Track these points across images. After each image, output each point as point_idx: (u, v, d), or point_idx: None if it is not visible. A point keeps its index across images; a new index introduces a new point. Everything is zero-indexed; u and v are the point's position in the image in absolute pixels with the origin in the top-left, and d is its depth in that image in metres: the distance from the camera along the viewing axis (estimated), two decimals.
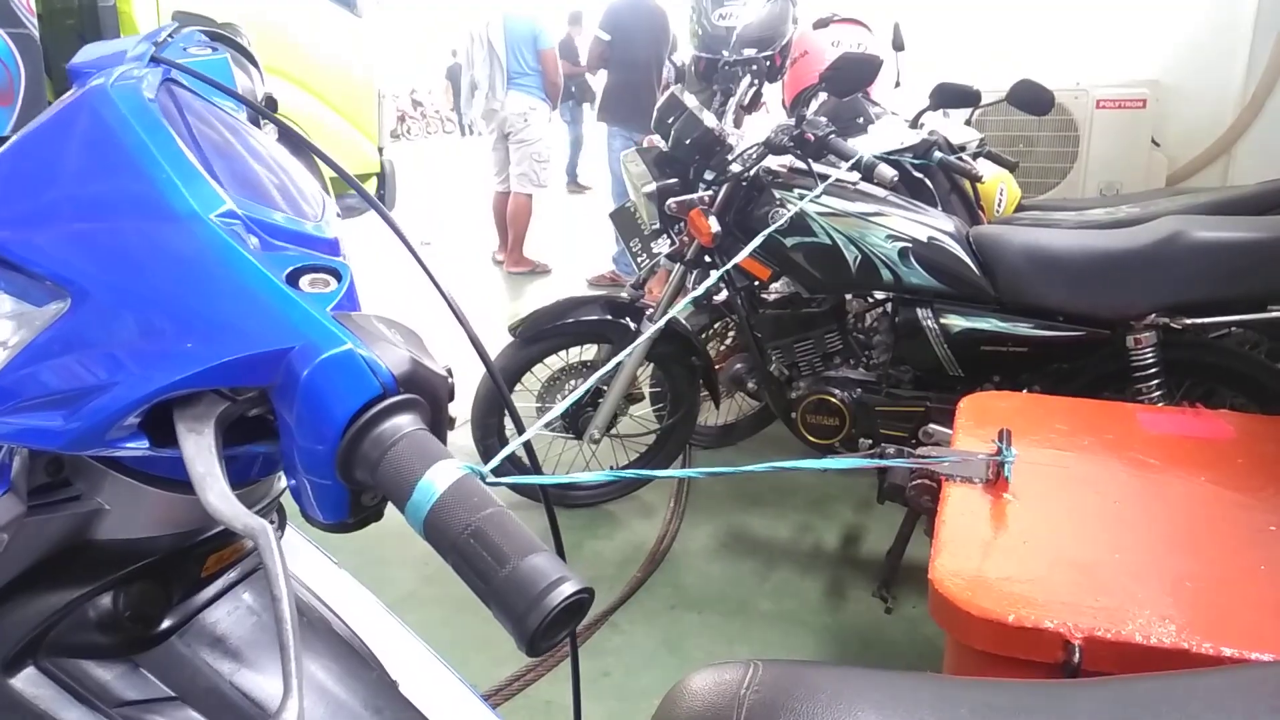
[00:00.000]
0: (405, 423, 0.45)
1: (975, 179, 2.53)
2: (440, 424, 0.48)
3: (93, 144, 0.52)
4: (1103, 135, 4.06)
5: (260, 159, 0.63)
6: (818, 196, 2.11)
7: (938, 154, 2.52)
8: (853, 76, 2.06)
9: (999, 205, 2.94)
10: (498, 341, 2.45)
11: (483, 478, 0.45)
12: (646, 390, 2.74)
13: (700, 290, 1.31)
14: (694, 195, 2.31)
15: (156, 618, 0.62)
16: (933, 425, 1.83)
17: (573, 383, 2.53)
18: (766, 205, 2.21)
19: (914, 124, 2.90)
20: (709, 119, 2.28)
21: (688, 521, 2.57)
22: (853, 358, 2.42)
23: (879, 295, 2.45)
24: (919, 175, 2.55)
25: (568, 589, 0.40)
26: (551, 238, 6.51)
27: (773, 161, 2.27)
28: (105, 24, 2.88)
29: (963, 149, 2.78)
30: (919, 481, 1.41)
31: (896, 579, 2.14)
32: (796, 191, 2.17)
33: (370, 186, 4.49)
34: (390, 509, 0.47)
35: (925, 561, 1.14)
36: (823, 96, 2.76)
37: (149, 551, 0.60)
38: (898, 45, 3.22)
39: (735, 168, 2.29)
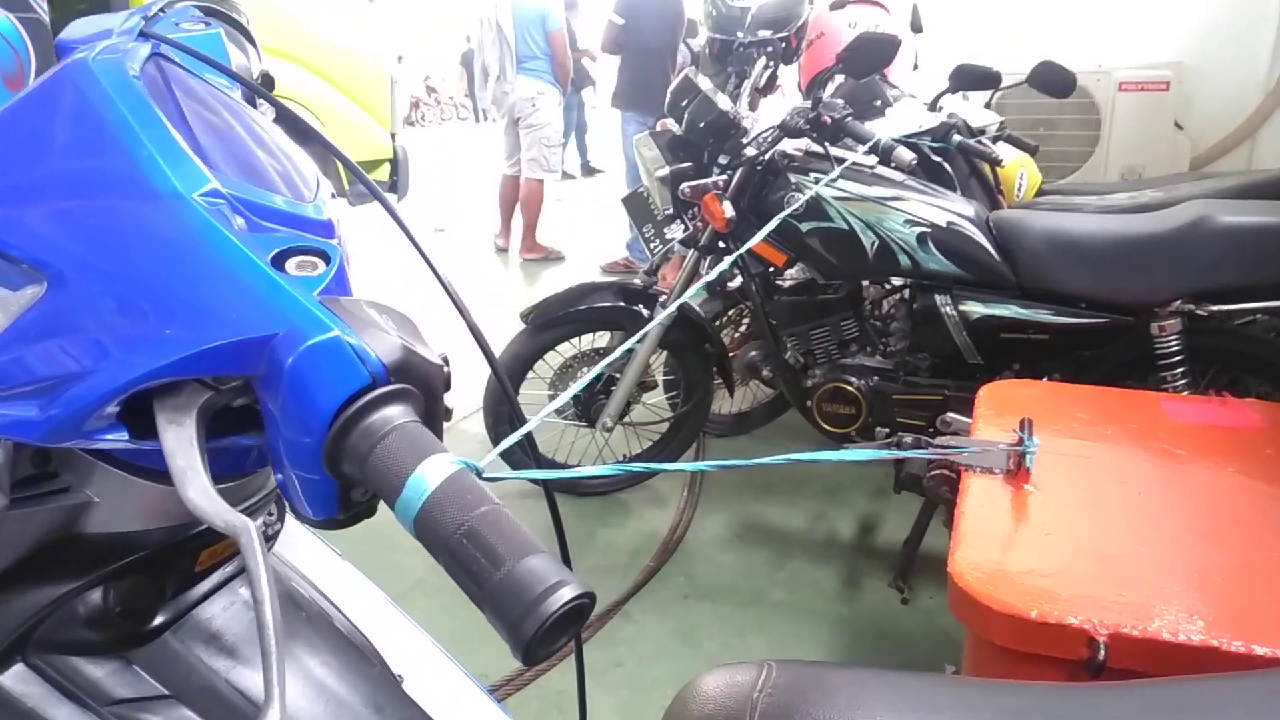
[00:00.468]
0: (396, 414, 0.42)
1: (995, 163, 2.48)
2: (435, 416, 0.46)
3: (72, 120, 0.50)
4: (1125, 118, 3.98)
5: (254, 137, 0.61)
6: (834, 180, 2.07)
7: (957, 137, 2.47)
8: (870, 57, 2.01)
9: (1019, 190, 2.89)
10: (510, 329, 2.43)
11: (479, 473, 0.43)
12: (660, 378, 2.71)
13: (713, 275, 1.27)
14: (708, 180, 2.27)
15: (148, 613, 0.60)
16: (951, 414, 1.80)
17: (585, 370, 2.50)
18: (782, 189, 2.17)
19: (932, 107, 2.85)
20: (723, 102, 2.24)
21: (701, 510, 2.55)
22: (869, 345, 2.38)
23: (896, 281, 2.41)
24: (937, 159, 2.50)
25: (567, 594, 0.37)
26: (563, 224, 6.47)
27: (788, 145, 2.23)
28: (115, 8, 2.87)
29: (982, 132, 2.73)
30: (937, 471, 1.37)
31: (913, 570, 2.11)
32: (812, 175, 2.13)
33: (383, 173, 4.46)
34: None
35: (942, 552, 1.11)
36: (839, 79, 2.71)
37: (140, 545, 0.58)
38: (916, 27, 3.17)
39: (750, 151, 2.26)
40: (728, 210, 2.18)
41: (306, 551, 0.84)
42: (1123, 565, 1.08)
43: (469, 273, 5.44)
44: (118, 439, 0.46)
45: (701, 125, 2.25)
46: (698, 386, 2.54)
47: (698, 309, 2.52)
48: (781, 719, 0.56)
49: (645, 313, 2.34)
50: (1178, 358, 1.98)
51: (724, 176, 2.28)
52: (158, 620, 0.60)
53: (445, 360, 0.48)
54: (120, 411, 0.45)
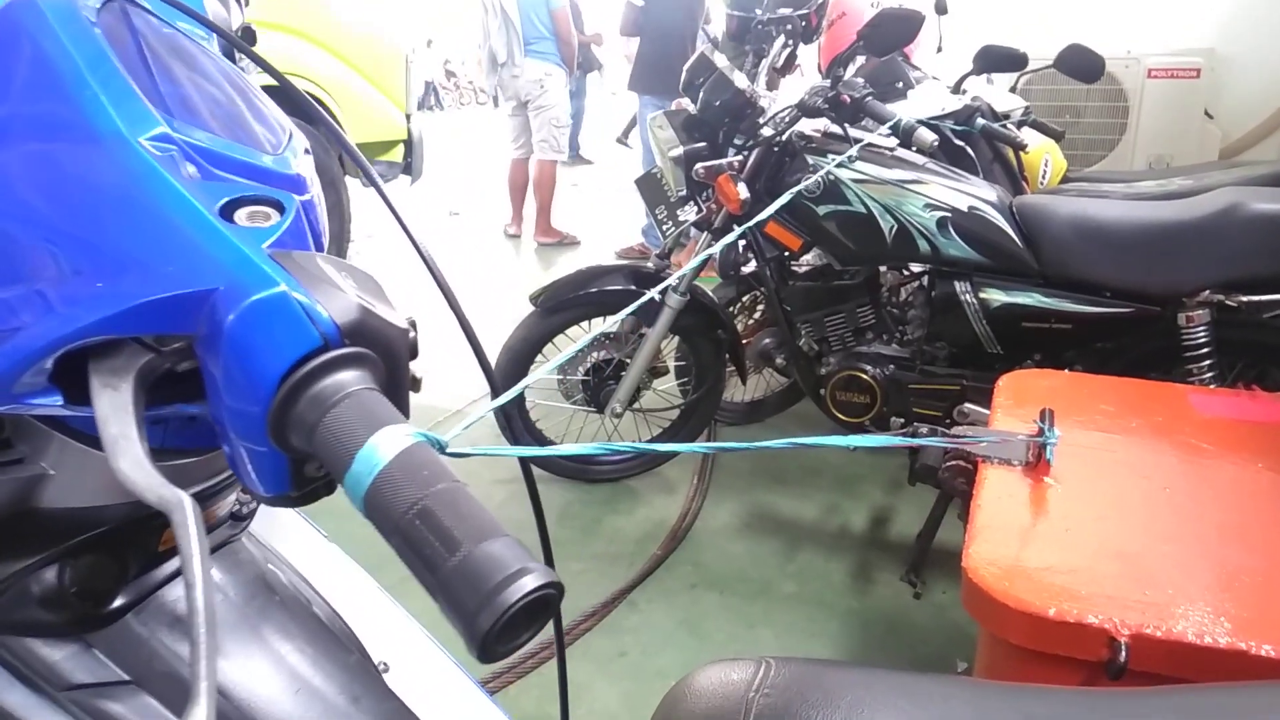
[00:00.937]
0: (350, 380, 0.38)
1: (1020, 147, 2.42)
2: (398, 385, 0.42)
3: (14, 60, 0.46)
4: (1153, 106, 3.90)
5: (224, 88, 0.57)
6: (852, 159, 2.01)
7: (980, 121, 2.41)
8: (893, 33, 1.95)
9: (1043, 176, 2.82)
10: (524, 313, 2.39)
11: (442, 448, 0.39)
12: (671, 364, 2.67)
13: (717, 247, 1.23)
14: (723, 160, 2.21)
15: (108, 594, 0.57)
16: (968, 404, 1.75)
17: (595, 355, 2.46)
18: (799, 171, 2.11)
19: (956, 89, 2.79)
20: (740, 80, 2.18)
21: (711, 499, 2.51)
22: (886, 333, 2.33)
23: (915, 267, 2.35)
24: (960, 143, 2.44)
25: (529, 583, 0.33)
26: (578, 210, 6.42)
27: (806, 125, 2.17)
28: None
29: (1006, 117, 2.66)
30: (954, 463, 1.33)
31: (926, 564, 2.07)
32: (830, 157, 2.08)
33: (397, 154, 4.42)
34: None
35: (956, 546, 1.06)
36: (860, 60, 2.65)
37: (99, 521, 0.55)
38: (940, 9, 3.09)
39: (766, 131, 2.20)
40: (742, 192, 2.13)
41: (288, 532, 0.81)
42: (1146, 563, 1.03)
43: (483, 256, 5.41)
44: (50, 403, 0.42)
45: (717, 104, 2.20)
46: (709, 373, 2.49)
47: (710, 294, 2.47)
48: None
49: (656, 297, 2.29)
50: (1205, 349, 1.92)
51: (739, 157, 2.23)
52: (119, 601, 0.57)
53: (412, 324, 0.44)
54: (55, 373, 0.41)
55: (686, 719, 0.56)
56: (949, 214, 2.04)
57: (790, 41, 2.44)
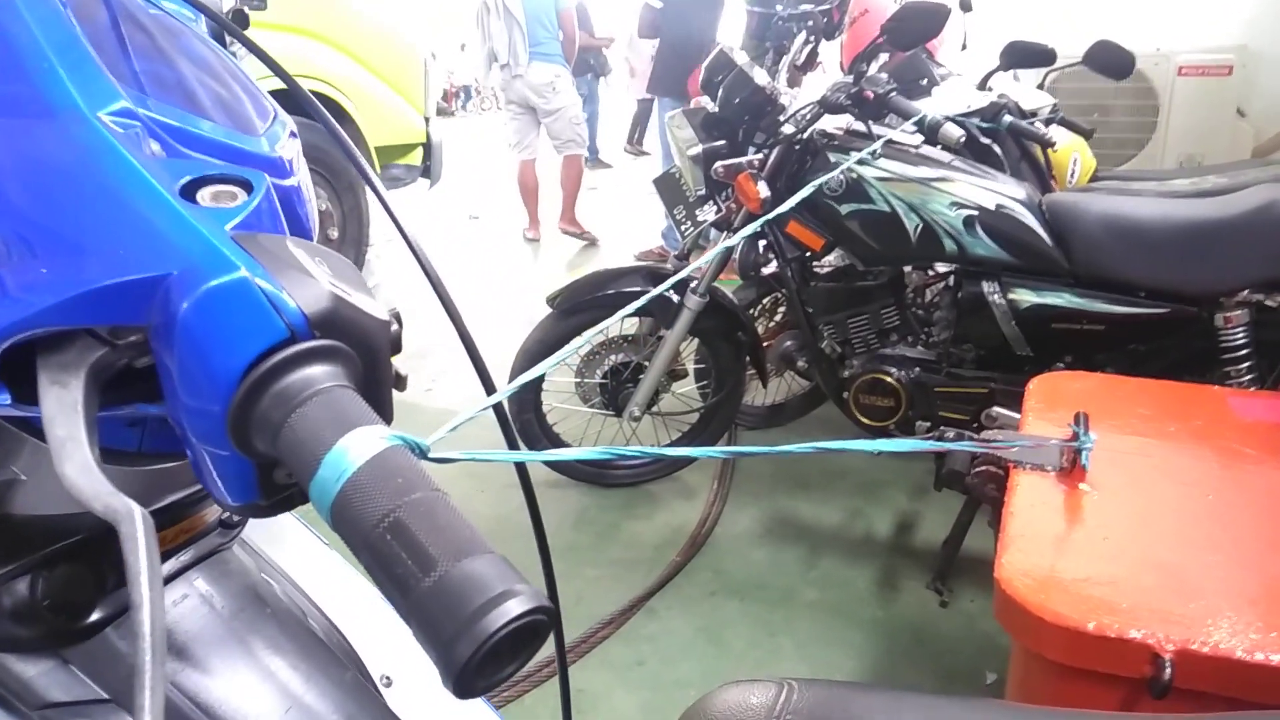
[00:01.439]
0: (320, 376, 0.34)
1: (1048, 145, 2.35)
2: (378, 383, 0.38)
3: None
4: (1184, 104, 3.82)
5: (207, 68, 0.53)
6: (875, 155, 1.96)
7: (1007, 118, 2.34)
8: (917, 27, 1.90)
9: (1072, 175, 2.75)
10: (542, 315, 2.36)
11: (423, 452, 0.35)
12: (690, 366, 2.63)
13: (734, 239, 1.18)
14: (742, 159, 2.17)
15: (85, 607, 0.53)
16: (997, 408, 1.70)
17: (613, 357, 2.42)
18: (821, 170, 2.06)
19: (981, 86, 2.72)
20: (760, 76, 2.13)
21: (731, 504, 2.46)
22: (911, 335, 2.27)
23: (941, 267, 2.29)
24: (986, 140, 2.37)
25: (515, 607, 0.29)
26: (598, 212, 6.40)
27: (828, 123, 2.12)
28: None
29: (1034, 114, 2.59)
30: (983, 468, 1.28)
31: (952, 571, 2.01)
32: (854, 155, 2.03)
33: (416, 157, 4.42)
34: None
35: (984, 553, 1.02)
36: (884, 58, 2.60)
37: (73, 530, 0.51)
38: (965, 6, 3.03)
39: (787, 129, 2.15)
40: (763, 190, 2.08)
41: (285, 538, 0.77)
42: (1190, 574, 0.98)
43: (502, 259, 5.39)
44: None
45: (736, 101, 2.15)
46: (729, 376, 2.45)
47: (730, 295, 2.42)
48: None
49: (675, 298, 2.25)
50: (1244, 351, 1.85)
51: (759, 155, 2.18)
52: (96, 615, 0.53)
53: (396, 317, 0.40)
54: (2, 369, 0.38)
55: None
56: (976, 212, 1.98)
57: (812, 38, 2.39)
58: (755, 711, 0.52)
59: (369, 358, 0.37)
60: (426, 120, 4.40)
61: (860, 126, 2.09)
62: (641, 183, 7.13)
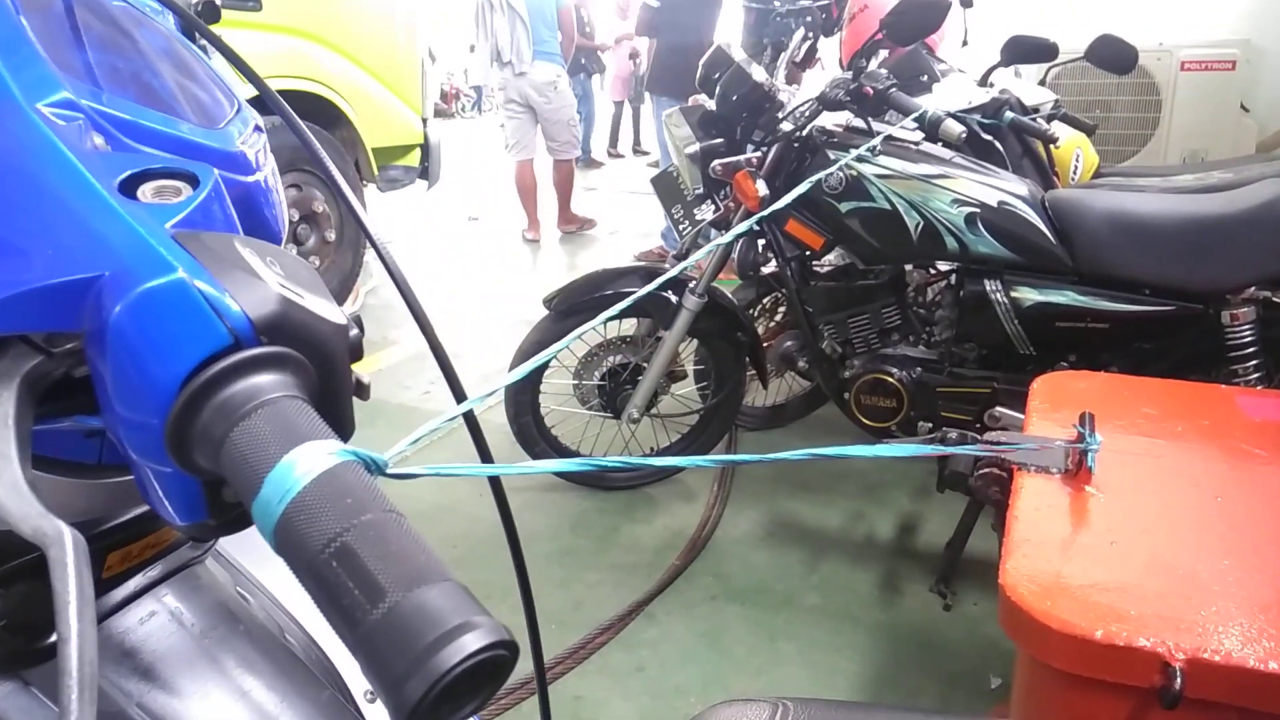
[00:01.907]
0: (267, 386, 0.31)
1: (1050, 141, 2.32)
2: (335, 393, 0.35)
3: None
4: (1187, 99, 3.79)
5: (166, 60, 0.51)
6: (875, 151, 1.93)
7: (1009, 114, 2.31)
8: (917, 22, 1.87)
9: (1075, 171, 2.72)
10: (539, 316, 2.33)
11: (379, 468, 0.32)
12: (690, 368, 2.60)
13: (728, 237, 1.15)
14: (740, 157, 2.14)
15: (45, 627, 0.51)
16: (1000, 408, 1.67)
17: (611, 359, 2.40)
18: (820, 167, 2.03)
19: (983, 82, 2.70)
20: (758, 73, 2.10)
21: (731, 507, 2.43)
22: (912, 334, 2.24)
23: (942, 266, 2.26)
24: (988, 137, 2.34)
25: (471, 642, 0.26)
26: (596, 213, 6.37)
27: (827, 120, 2.10)
28: None
29: (1036, 110, 2.56)
30: (987, 470, 1.25)
31: (956, 574, 1.99)
32: (853, 152, 2.00)
33: (414, 158, 4.39)
34: None
35: (988, 555, 0.99)
36: (883, 54, 2.57)
37: (32, 546, 0.49)
38: (966, 2, 3.00)
39: (786, 126, 2.13)
40: (761, 188, 2.05)
41: (263, 551, 0.75)
42: (1201, 580, 0.95)
43: (501, 261, 5.36)
44: None
45: (734, 99, 2.12)
46: (729, 377, 2.42)
47: (730, 295, 2.39)
48: None
49: (673, 299, 2.23)
50: (1251, 349, 1.83)
51: (758, 153, 2.15)
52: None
53: (356, 322, 0.37)
54: None
55: None
56: (978, 209, 1.95)
57: (810, 34, 2.36)
58: None
59: (324, 365, 0.34)
60: (424, 121, 4.37)
61: (860, 123, 2.06)
62: (636, 181, 7.12)
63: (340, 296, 3.99)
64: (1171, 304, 1.87)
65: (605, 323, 2.37)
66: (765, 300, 2.70)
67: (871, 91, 1.97)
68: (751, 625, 1.96)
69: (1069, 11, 3.87)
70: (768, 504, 2.45)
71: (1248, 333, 1.82)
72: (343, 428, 0.36)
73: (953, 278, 2.19)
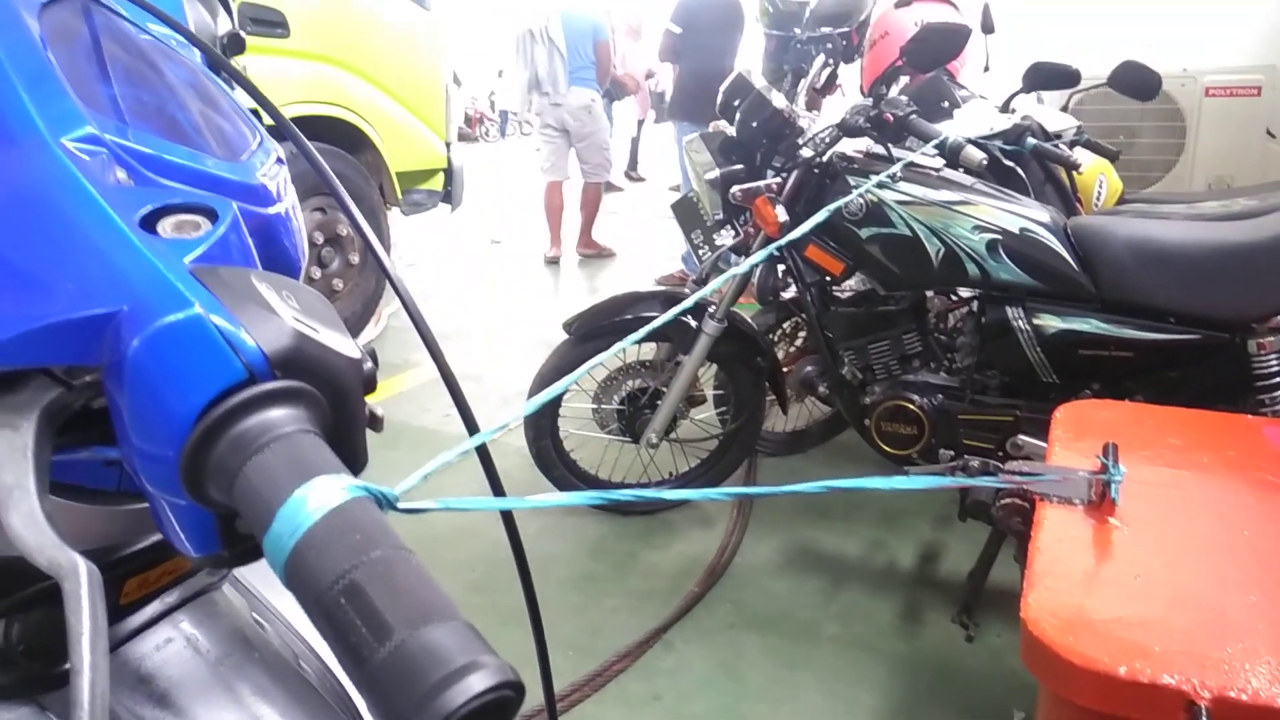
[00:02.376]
0: (281, 421, 0.31)
1: (1073, 168, 2.32)
2: (349, 427, 0.35)
3: None
4: (1212, 126, 3.77)
5: (192, 93, 0.51)
6: (895, 178, 1.93)
7: (1031, 140, 2.31)
8: (938, 49, 1.87)
9: (1098, 198, 2.71)
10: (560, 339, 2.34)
11: (389, 503, 0.32)
12: (709, 392, 2.59)
13: (748, 263, 1.16)
14: (760, 183, 2.15)
15: (62, 653, 0.51)
16: (1022, 437, 1.65)
17: (630, 383, 2.40)
18: (840, 194, 2.04)
19: (1005, 108, 2.69)
20: (778, 99, 2.11)
21: (750, 534, 2.42)
22: (933, 361, 2.23)
23: (964, 292, 2.25)
24: (1010, 163, 2.34)
25: (477, 683, 0.26)
26: (616, 237, 6.40)
27: (848, 146, 2.10)
28: None
29: (1058, 137, 2.56)
30: (1009, 500, 1.23)
31: (978, 604, 1.95)
32: (873, 179, 2.00)
33: (437, 182, 4.44)
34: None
35: (1011, 585, 0.98)
36: (904, 81, 2.57)
37: (48, 572, 0.49)
38: (987, 28, 3.01)
39: (806, 153, 2.13)
40: (781, 214, 2.06)
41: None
42: (1227, 615, 0.93)
43: (524, 284, 5.40)
44: None
45: (754, 125, 2.13)
46: (749, 402, 2.41)
47: (750, 320, 2.39)
48: None
49: (693, 324, 2.23)
50: (1278, 379, 1.79)
51: (778, 179, 2.16)
52: None
53: (371, 355, 0.37)
54: None
55: None
56: (999, 236, 1.94)
57: (830, 61, 2.38)
58: None
59: (337, 399, 0.34)
60: (448, 145, 4.42)
61: (880, 150, 2.07)
62: (658, 205, 7.15)
63: (363, 318, 4.02)
64: (1197, 332, 1.85)
65: (625, 347, 2.36)
66: (785, 325, 2.70)
67: (892, 118, 1.97)
68: (770, 654, 1.93)
69: (1091, 38, 3.86)
70: (787, 531, 2.43)
71: (1275, 362, 1.79)
72: (356, 460, 0.36)
73: (974, 304, 2.18)
